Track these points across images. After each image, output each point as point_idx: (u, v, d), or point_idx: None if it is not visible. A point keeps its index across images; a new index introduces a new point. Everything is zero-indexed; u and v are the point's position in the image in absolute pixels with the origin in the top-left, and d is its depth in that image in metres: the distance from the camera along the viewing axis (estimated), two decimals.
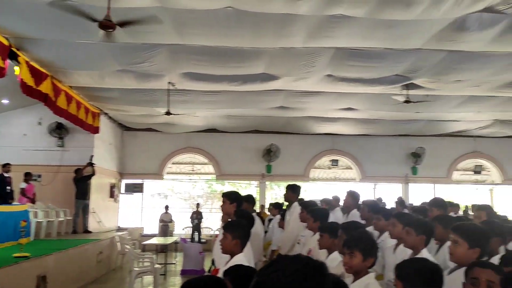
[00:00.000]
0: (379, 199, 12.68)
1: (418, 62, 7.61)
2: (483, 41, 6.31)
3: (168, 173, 15.69)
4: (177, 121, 12.55)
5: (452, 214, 10.06)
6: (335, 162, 15.89)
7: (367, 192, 16.60)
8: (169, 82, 8.87)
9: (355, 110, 11.50)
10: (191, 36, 6.71)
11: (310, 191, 17.07)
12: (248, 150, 14.87)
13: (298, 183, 6.36)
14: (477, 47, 6.66)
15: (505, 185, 15.69)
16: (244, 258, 3.26)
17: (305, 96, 10.16)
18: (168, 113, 9.82)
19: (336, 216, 7.41)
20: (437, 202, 4.88)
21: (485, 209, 4.84)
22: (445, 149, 15.25)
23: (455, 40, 6.34)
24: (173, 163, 15.72)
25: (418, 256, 3.17)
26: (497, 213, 11.96)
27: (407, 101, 9.30)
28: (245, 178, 15.95)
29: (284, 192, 6.56)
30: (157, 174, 14.88)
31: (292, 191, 6.31)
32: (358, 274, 2.71)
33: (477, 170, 15.42)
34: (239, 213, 4.57)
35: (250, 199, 5.76)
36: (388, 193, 15.94)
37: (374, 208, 4.94)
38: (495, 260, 3.31)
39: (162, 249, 11.14)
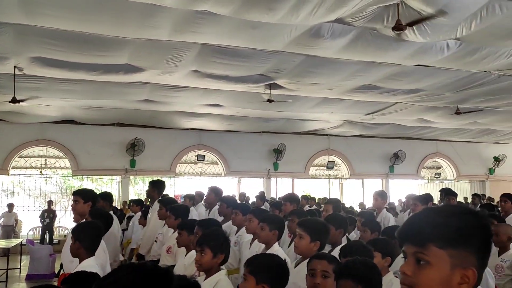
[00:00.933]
0: (243, 194, 13.16)
1: (280, 64, 8.02)
2: (334, 48, 6.92)
3: (15, 168, 14.02)
4: (27, 110, 11.25)
5: (307, 207, 10.97)
6: (201, 157, 16.00)
7: (231, 187, 17.09)
8: (16, 66, 7.88)
9: (221, 107, 11.68)
10: (43, 18, 6.02)
11: (177, 186, 16.92)
12: (110, 143, 14.07)
13: (163, 178, 6.22)
14: (330, 54, 7.27)
15: (352, 179, 17.64)
16: (93, 263, 3.05)
17: (172, 91, 9.96)
18: (14, 101, 8.71)
19: (199, 212, 7.45)
20: (291, 198, 5.22)
21: (332, 203, 5.32)
22: (303, 146, 16.49)
23: (311, 45, 6.83)
24: (21, 157, 14.08)
25: (270, 250, 3.34)
26: (344, 205, 13.35)
27: (269, 100, 9.79)
28: (106, 173, 15.08)
29: (147, 188, 6.37)
30: (2, 169, 13.17)
31: (155, 187, 6.16)
32: (209, 271, 2.74)
33: (330, 165, 17.02)
34: (94, 212, 4.28)
35: (106, 196, 5.44)
36: (252, 188, 16.65)
37: (233, 204, 5.07)
38: (337, 250, 3.66)
39: (4, 253, 9.91)
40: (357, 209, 12.57)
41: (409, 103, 11.13)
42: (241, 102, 11.16)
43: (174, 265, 3.87)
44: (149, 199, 6.84)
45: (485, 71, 8.46)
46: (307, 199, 11.85)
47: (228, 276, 4.42)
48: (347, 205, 14.06)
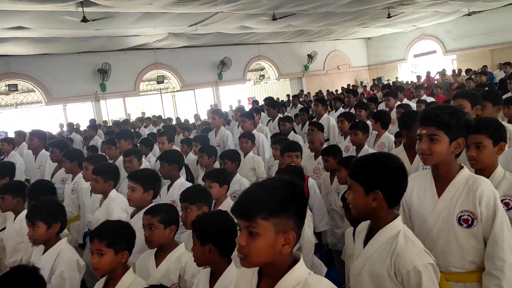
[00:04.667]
0: (70, 124, 12.18)
1: None
2: None
3: None
4: None
5: (143, 128, 10.77)
6: (13, 87, 13.99)
7: (56, 116, 15.61)
8: None
9: (27, 29, 10.10)
10: None
11: None
12: None
13: None
14: None
15: (183, 91, 17.74)
16: None
17: None
18: None
19: (25, 154, 6.62)
20: (124, 134, 5.04)
21: (165, 134, 5.28)
22: (130, 63, 15.66)
23: None
24: None
25: (108, 199, 3.28)
26: (179, 119, 13.46)
27: (84, 20, 8.83)
28: None
29: None
30: None
31: None
32: (47, 243, 2.60)
33: (160, 80, 16.68)
34: None
35: None
36: (79, 114, 15.48)
37: (63, 150, 4.69)
38: (178, 185, 3.77)
39: None
40: (192, 121, 12.86)
41: (229, 12, 11.28)
42: (50, 23, 9.81)
43: None
44: None
45: None
46: (142, 120, 11.61)
47: (70, 225, 4.26)
48: (182, 118, 14.34)
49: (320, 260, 3.18)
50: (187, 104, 18.57)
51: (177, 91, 17.81)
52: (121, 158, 4.70)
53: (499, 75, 11.70)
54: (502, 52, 17.20)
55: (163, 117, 13.86)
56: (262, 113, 7.83)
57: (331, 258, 4.09)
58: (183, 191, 2.77)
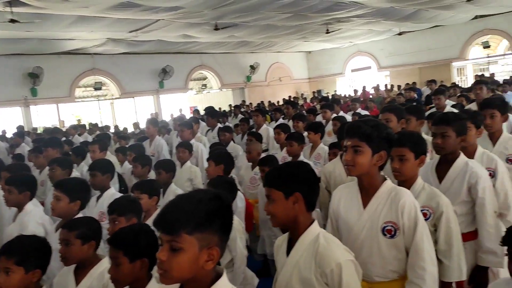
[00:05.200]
0: None
1: None
2: None
3: None
4: None
5: (77, 136, 10.28)
6: None
7: None
8: None
9: None
10: None
11: None
12: None
13: None
14: None
15: (123, 98, 17.21)
16: None
17: None
18: None
19: None
20: (52, 142, 4.79)
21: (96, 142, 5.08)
22: (65, 68, 14.96)
23: None
24: None
25: (23, 213, 3.04)
26: (118, 127, 13.05)
27: (13, 21, 8.33)
28: None
29: None
30: None
31: None
32: None
33: (97, 86, 16.08)
34: None
35: None
36: (8, 120, 14.54)
37: None
38: (108, 195, 3.61)
39: None
40: (131, 129, 12.48)
41: (171, 20, 11.15)
42: None
43: None
44: None
45: None
46: (76, 128, 11.10)
47: None
48: (121, 127, 13.88)
49: (257, 269, 3.17)
50: (127, 112, 18.05)
51: (116, 98, 17.25)
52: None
53: (426, 91, 12.46)
54: (429, 70, 18.40)
55: (100, 125, 13.34)
56: (203, 122, 7.78)
57: (269, 267, 4.10)
58: (111, 202, 2.65)
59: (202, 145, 5.90)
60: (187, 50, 17.00)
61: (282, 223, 1.82)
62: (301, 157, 4.38)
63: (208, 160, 3.87)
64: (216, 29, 12.22)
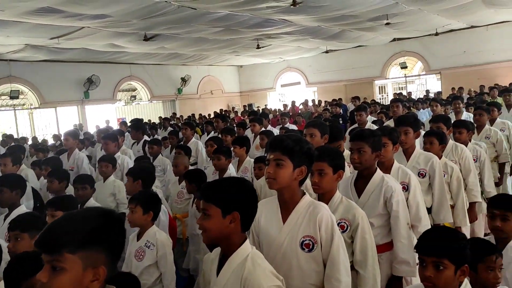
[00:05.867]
0: None
1: None
2: None
3: None
4: None
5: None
6: None
7: None
8: None
9: None
10: None
11: None
12: None
13: None
14: None
15: (43, 108, 16.18)
16: None
17: None
18: None
19: None
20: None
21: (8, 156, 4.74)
22: None
23: None
24: None
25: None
26: (37, 139, 12.28)
27: None
28: None
29: None
30: None
31: None
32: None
33: (14, 95, 14.93)
34: None
35: None
36: None
37: None
38: (15, 213, 3.34)
39: None
40: (51, 141, 11.76)
41: (97, 28, 10.73)
42: None
43: None
44: None
45: (166, 1, 8.92)
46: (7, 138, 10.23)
47: None
48: (40, 138, 13.04)
49: (183, 285, 3.09)
50: (48, 123, 16.97)
51: (35, 108, 16.17)
52: None
53: (351, 107, 13.10)
54: (354, 87, 19.40)
55: (16, 136, 12.41)
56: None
57: (192, 283, 4.01)
58: (13, 218, 2.46)
59: (128, 158, 5.68)
60: (115, 60, 16.43)
61: (214, 240, 1.76)
62: (229, 171, 4.36)
63: (126, 175, 3.72)
64: (146, 39, 11.95)
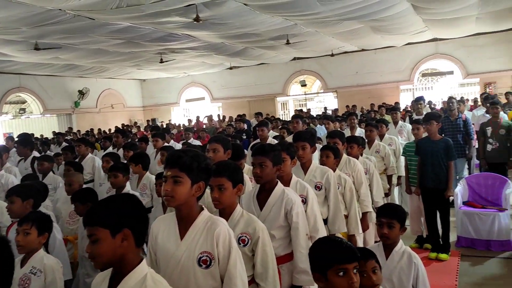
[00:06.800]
0: None
1: None
2: None
3: None
4: None
5: None
6: None
7: None
8: None
9: None
10: None
11: None
12: None
13: None
14: None
15: None
16: None
17: None
18: None
19: None
20: None
21: None
22: None
23: None
24: None
25: None
26: None
27: None
28: None
29: None
30: None
31: None
32: None
33: None
34: None
35: None
36: None
37: None
38: None
39: None
40: None
41: None
42: None
43: None
44: None
45: (60, 9, 8.38)
46: None
47: None
48: None
49: None
50: None
51: None
52: None
53: (254, 123, 13.42)
54: (257, 103, 19.98)
55: None
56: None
57: None
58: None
59: (13, 176, 5.17)
60: (2, 69, 14.99)
61: (107, 264, 1.64)
62: (126, 188, 4.17)
63: (10, 196, 3.35)
64: (37, 49, 11.06)
